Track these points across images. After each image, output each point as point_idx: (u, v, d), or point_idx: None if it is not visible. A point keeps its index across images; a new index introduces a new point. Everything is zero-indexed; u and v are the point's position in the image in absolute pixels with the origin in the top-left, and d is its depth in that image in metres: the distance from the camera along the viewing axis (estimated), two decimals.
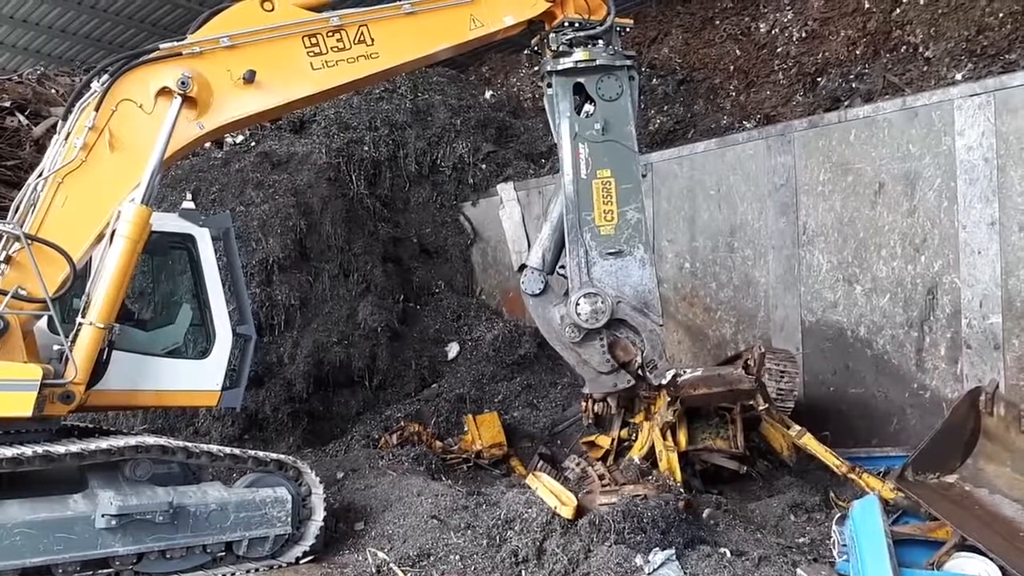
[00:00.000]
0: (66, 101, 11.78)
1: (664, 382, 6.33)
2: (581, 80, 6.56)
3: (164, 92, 5.68)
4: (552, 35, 6.61)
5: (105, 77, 5.67)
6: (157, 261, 6.88)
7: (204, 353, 6.33)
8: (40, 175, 5.60)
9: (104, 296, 5.45)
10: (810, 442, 6.43)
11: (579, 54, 6.52)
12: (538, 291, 6.63)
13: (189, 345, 6.48)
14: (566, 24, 6.57)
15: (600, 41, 6.57)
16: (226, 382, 6.35)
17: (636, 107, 6.72)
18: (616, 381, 6.43)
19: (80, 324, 5.46)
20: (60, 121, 5.87)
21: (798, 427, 6.56)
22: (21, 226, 5.42)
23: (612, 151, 6.51)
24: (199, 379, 6.23)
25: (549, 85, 6.66)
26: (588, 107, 6.60)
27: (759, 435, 6.92)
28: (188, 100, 5.72)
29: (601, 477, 6.01)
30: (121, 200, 5.58)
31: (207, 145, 9.74)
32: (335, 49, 6.07)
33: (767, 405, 6.60)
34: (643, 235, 6.52)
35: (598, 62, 6.51)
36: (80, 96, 5.74)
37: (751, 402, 6.62)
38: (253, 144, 11.17)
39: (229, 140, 11.24)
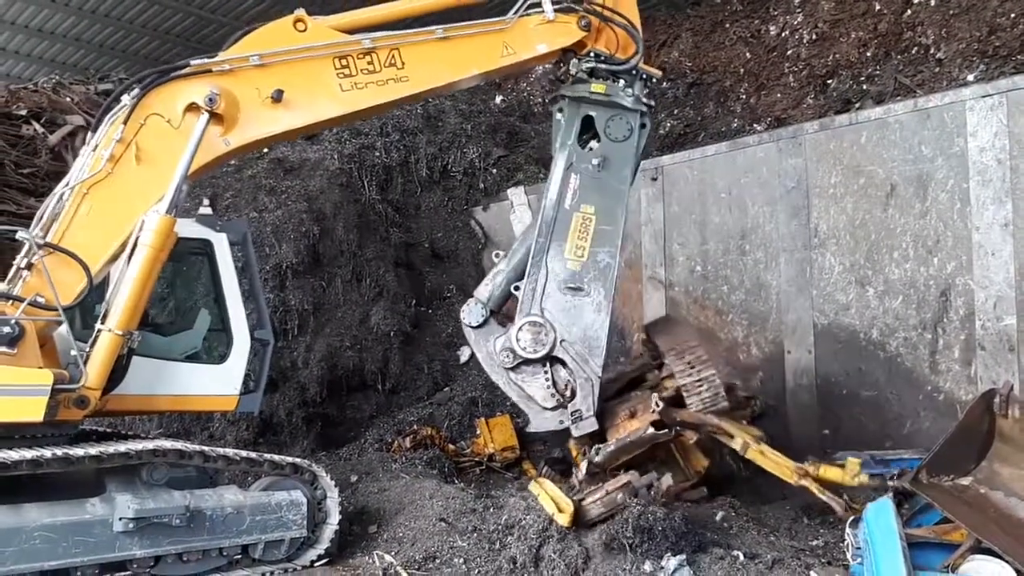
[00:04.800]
0: (81, 109, 11.97)
1: (583, 469, 6.08)
2: (592, 113, 6.42)
3: (192, 108, 5.70)
4: (574, 60, 6.52)
5: (135, 91, 5.71)
6: (175, 266, 6.91)
7: (222, 358, 6.38)
8: (66, 185, 5.65)
9: (124, 304, 5.50)
10: (758, 457, 6.07)
11: (596, 85, 6.39)
12: (476, 323, 6.38)
13: (208, 350, 6.52)
14: (592, 55, 6.47)
15: (621, 80, 6.44)
16: (244, 386, 6.38)
17: (639, 155, 6.55)
18: (562, 418, 6.13)
19: (99, 330, 5.51)
20: (89, 133, 5.91)
21: (742, 439, 6.13)
22: (45, 235, 5.47)
23: (603, 189, 6.33)
24: (217, 384, 6.27)
25: (560, 109, 6.55)
26: (593, 142, 6.49)
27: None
28: (215, 116, 5.73)
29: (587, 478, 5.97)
30: (144, 213, 5.62)
31: None
32: (365, 71, 6.02)
33: (697, 437, 6.34)
34: (608, 281, 6.22)
35: (612, 98, 6.39)
36: (109, 109, 5.79)
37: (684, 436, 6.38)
38: (266, 151, 11.24)
39: None
